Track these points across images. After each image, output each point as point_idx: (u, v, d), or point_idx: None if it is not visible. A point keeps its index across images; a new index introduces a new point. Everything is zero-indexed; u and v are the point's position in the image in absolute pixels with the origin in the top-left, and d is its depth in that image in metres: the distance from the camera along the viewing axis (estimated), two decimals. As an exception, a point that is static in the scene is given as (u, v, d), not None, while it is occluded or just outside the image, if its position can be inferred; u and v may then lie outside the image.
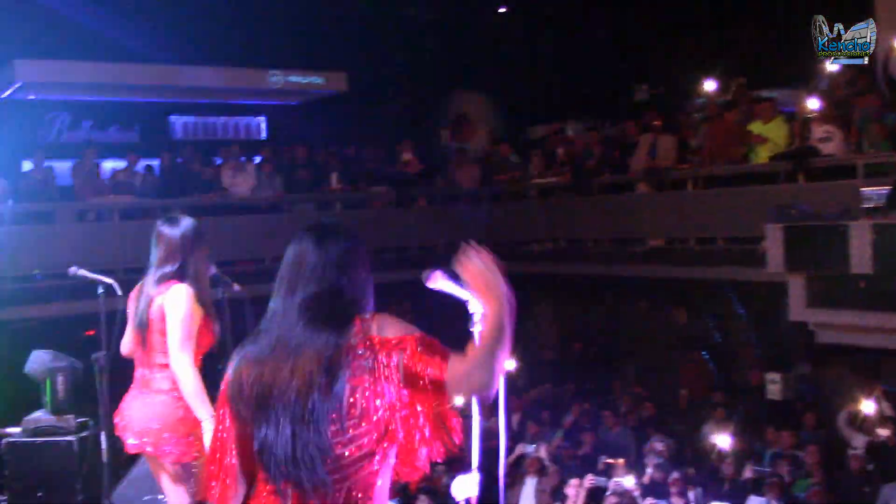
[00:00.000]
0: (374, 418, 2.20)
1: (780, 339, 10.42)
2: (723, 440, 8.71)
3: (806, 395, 10.14)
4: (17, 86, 12.12)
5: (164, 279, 3.76)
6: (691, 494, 8.03)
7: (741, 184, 10.70)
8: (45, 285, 10.04)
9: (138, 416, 3.77)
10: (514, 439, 9.81)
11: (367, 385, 2.20)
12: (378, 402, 2.20)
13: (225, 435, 2.34)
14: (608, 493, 8.00)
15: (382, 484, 2.27)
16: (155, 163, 12.59)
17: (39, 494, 5.59)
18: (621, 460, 8.98)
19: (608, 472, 8.71)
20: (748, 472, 8.09)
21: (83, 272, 4.91)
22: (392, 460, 2.28)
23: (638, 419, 10.43)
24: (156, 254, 3.83)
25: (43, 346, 6.01)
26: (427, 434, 2.25)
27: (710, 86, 12.30)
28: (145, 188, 11.86)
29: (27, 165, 11.96)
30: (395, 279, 11.81)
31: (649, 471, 8.40)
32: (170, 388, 3.74)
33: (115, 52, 12.44)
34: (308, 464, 2.18)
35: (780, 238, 8.97)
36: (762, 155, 10.34)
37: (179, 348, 3.66)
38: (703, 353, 12.52)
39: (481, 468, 2.75)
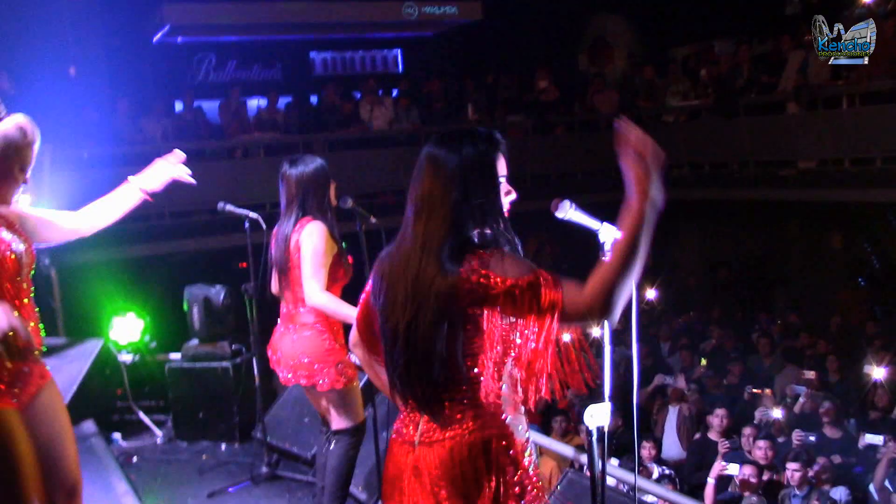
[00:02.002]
0: (488, 339, 2.21)
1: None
2: (878, 371, 8.31)
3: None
4: (165, 29, 12.61)
5: (297, 219, 3.89)
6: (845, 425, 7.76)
7: (901, 99, 9.98)
8: (201, 220, 10.55)
9: (289, 352, 3.95)
10: (657, 368, 9.70)
11: (481, 313, 2.19)
12: (491, 325, 2.20)
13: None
14: (755, 421, 7.82)
15: (510, 401, 2.28)
16: (296, 99, 12.89)
17: (200, 415, 5.98)
18: (768, 391, 8.74)
19: (754, 402, 8.50)
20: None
21: (230, 207, 5.13)
22: (512, 370, 2.27)
23: (788, 348, 10.09)
24: (283, 194, 3.96)
25: (199, 278, 6.35)
26: (546, 363, 2.21)
27: (869, -6, 11.42)
28: (288, 124, 12.20)
29: (178, 106, 12.50)
30: (535, 208, 11.76)
31: (801, 400, 8.13)
32: (314, 321, 3.89)
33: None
34: (433, 386, 2.24)
35: (945, 156, 8.36)
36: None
37: (310, 276, 3.79)
38: (860, 279, 11.95)
39: (616, 397, 2.74)
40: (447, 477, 2.24)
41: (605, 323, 2.29)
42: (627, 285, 2.07)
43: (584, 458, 4.18)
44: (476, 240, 2.26)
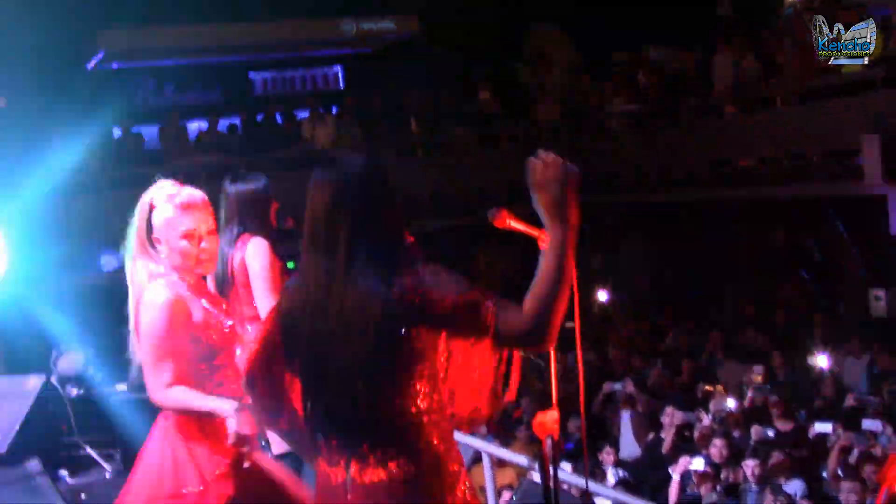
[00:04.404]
0: (430, 365, 2.14)
1: (883, 254, 10.03)
2: (821, 360, 8.50)
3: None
4: (100, 56, 12.42)
5: (237, 236, 3.83)
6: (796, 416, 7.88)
7: (834, 96, 10.22)
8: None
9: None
10: (610, 374, 9.77)
11: (421, 335, 2.09)
12: (432, 350, 2.13)
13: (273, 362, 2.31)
14: (708, 416, 7.92)
15: (445, 426, 2.22)
16: (237, 121, 12.78)
17: (150, 448, 5.85)
18: (720, 386, 8.86)
19: (707, 398, 8.61)
20: (850, 399, 7.84)
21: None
22: (448, 402, 2.23)
23: (737, 344, 10.24)
24: (222, 211, 3.89)
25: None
26: (478, 390, 2.19)
27: (795, -6, 11.71)
28: (230, 146, 12.08)
29: (117, 133, 12.31)
30: (483, 219, 11.79)
31: (749, 394, 8.26)
32: None
33: (191, 14, 12.60)
34: (369, 424, 2.13)
35: (877, 149, 8.59)
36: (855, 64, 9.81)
37: (266, 297, 3.73)
38: (804, 273, 12.18)
39: (569, 404, 2.74)
40: None
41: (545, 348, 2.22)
42: (560, 308, 2.04)
43: (529, 465, 4.19)
44: (403, 254, 2.18)
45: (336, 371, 2.13)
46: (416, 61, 14.39)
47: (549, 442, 2.66)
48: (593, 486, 3.92)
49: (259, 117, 12.84)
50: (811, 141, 10.46)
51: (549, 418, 2.64)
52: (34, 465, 5.61)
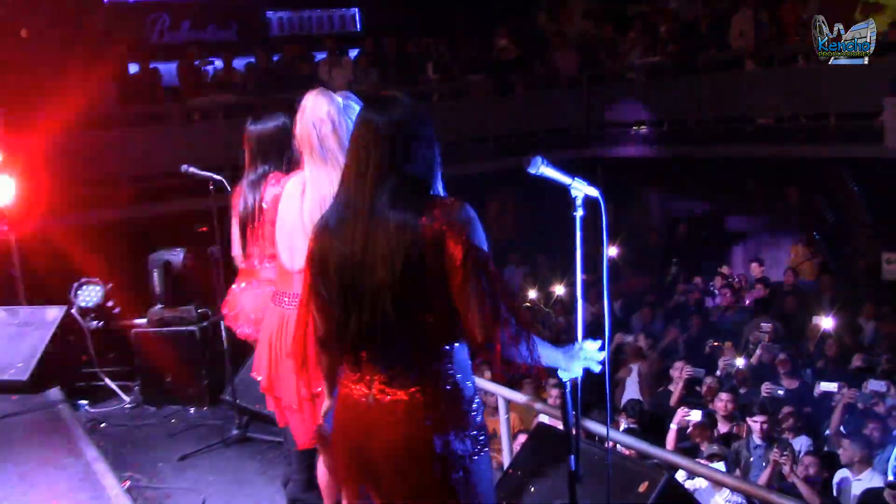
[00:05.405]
0: (448, 290, 2.21)
1: (897, 218, 10.03)
2: (826, 322, 8.53)
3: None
4: (117, -10, 12.31)
5: (263, 176, 3.83)
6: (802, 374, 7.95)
7: (857, 55, 10.10)
8: (161, 184, 10.40)
9: (250, 307, 3.92)
10: (619, 326, 9.84)
11: (443, 262, 2.19)
12: (451, 276, 2.20)
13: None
14: (717, 372, 7.98)
15: (461, 348, 2.32)
16: (253, 60, 12.67)
17: (168, 380, 5.95)
18: (728, 343, 8.91)
19: (715, 354, 8.67)
20: (857, 361, 7.90)
21: (194, 170, 5.07)
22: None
23: (746, 301, 10.28)
24: (246, 153, 3.91)
25: (161, 243, 6.27)
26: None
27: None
28: (246, 86, 12.01)
29: (133, 68, 12.24)
30: (497, 168, 11.80)
31: (758, 352, 8.32)
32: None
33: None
34: (391, 342, 2.26)
35: (899, 111, 8.52)
36: (879, 24, 9.68)
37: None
38: (815, 234, 12.17)
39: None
40: (400, 436, 2.28)
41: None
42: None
43: (544, 410, 4.27)
44: (435, 189, 2.32)
45: (369, 293, 2.24)
46: (433, 5, 14.24)
47: (570, 386, 2.73)
48: (613, 433, 3.99)
49: (275, 57, 12.74)
50: (830, 100, 10.37)
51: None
52: (56, 393, 5.74)
